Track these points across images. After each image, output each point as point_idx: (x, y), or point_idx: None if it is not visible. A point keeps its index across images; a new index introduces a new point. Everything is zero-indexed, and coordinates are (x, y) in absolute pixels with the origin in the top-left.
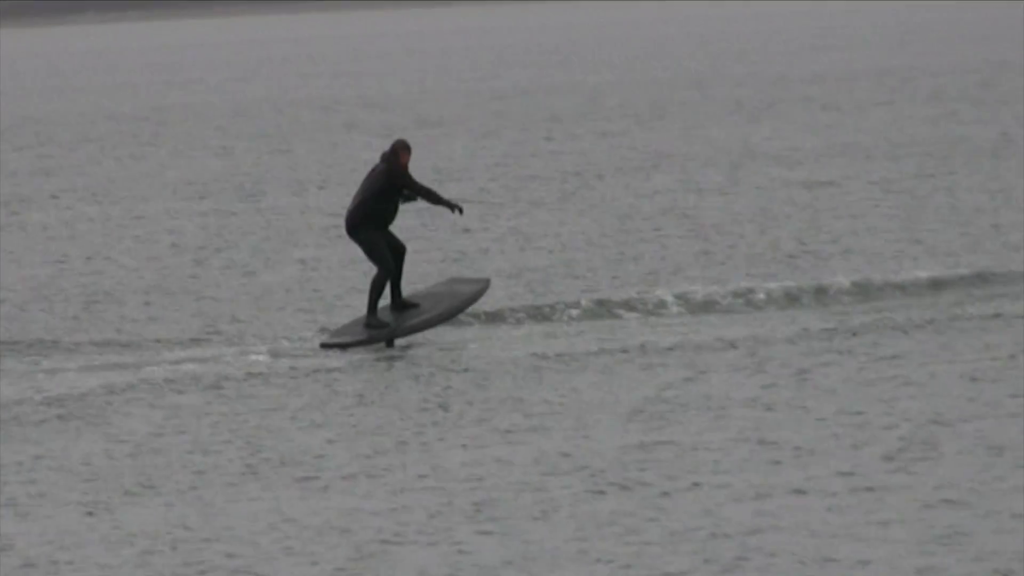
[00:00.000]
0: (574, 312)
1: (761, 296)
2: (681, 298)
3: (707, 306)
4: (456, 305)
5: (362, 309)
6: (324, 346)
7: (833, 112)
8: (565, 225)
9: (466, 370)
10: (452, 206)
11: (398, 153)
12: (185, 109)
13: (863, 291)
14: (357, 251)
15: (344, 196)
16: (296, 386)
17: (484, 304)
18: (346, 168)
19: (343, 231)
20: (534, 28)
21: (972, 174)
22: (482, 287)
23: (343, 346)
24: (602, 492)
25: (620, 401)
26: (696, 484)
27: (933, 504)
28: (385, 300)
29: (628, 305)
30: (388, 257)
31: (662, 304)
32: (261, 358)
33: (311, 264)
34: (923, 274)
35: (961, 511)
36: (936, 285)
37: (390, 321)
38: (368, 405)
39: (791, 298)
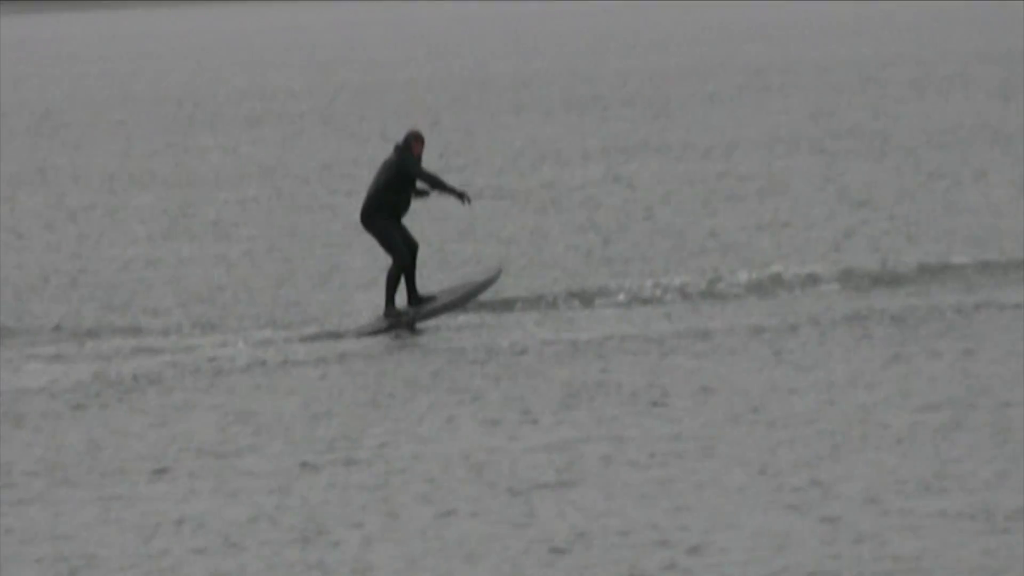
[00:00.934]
0: (512, 307)
1: (656, 292)
2: (576, 295)
3: (601, 301)
4: (470, 291)
5: (236, 306)
6: None
7: (732, 105)
8: (461, 220)
9: (382, 365)
10: (461, 195)
11: (410, 143)
12: (90, 102)
13: (758, 287)
14: (230, 248)
15: (231, 192)
16: (164, 383)
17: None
18: (247, 165)
19: (225, 228)
20: (467, 20)
21: (862, 166)
22: (494, 274)
23: (356, 338)
24: (493, 496)
25: (515, 399)
26: (566, 483)
27: (792, 502)
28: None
29: (524, 302)
30: (402, 247)
31: (556, 300)
32: (139, 357)
33: (190, 259)
34: (819, 271)
35: (794, 514)
36: (837, 281)
37: (407, 312)
38: (232, 408)
39: (686, 294)
